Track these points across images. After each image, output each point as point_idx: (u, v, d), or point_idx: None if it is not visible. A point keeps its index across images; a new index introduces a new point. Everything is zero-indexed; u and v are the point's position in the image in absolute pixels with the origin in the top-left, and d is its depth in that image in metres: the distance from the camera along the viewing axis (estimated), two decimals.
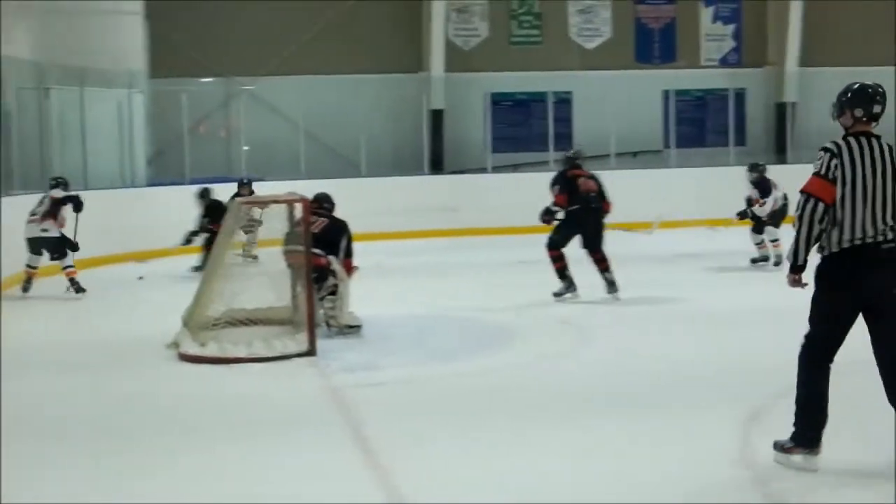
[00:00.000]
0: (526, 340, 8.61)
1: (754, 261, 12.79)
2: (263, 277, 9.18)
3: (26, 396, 6.91)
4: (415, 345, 8.46)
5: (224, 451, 5.58)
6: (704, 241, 14.99)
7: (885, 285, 4.78)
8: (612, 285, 10.53)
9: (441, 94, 20.37)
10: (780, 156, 20.51)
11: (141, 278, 12.34)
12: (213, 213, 13.59)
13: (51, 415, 6.53)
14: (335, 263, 8.82)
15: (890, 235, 4.79)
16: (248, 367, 7.65)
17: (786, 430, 5.07)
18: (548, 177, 10.97)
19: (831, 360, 4.89)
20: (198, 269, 13.35)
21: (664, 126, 20.85)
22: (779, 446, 4.98)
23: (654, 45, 21.72)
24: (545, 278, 10.60)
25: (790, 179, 13.76)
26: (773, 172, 13.01)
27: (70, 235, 11.76)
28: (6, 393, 6.77)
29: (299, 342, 8.03)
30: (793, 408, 4.96)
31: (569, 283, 10.55)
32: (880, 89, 4.90)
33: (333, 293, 8.79)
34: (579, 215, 10.52)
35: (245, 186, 14.50)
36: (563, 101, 20.91)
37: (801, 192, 4.85)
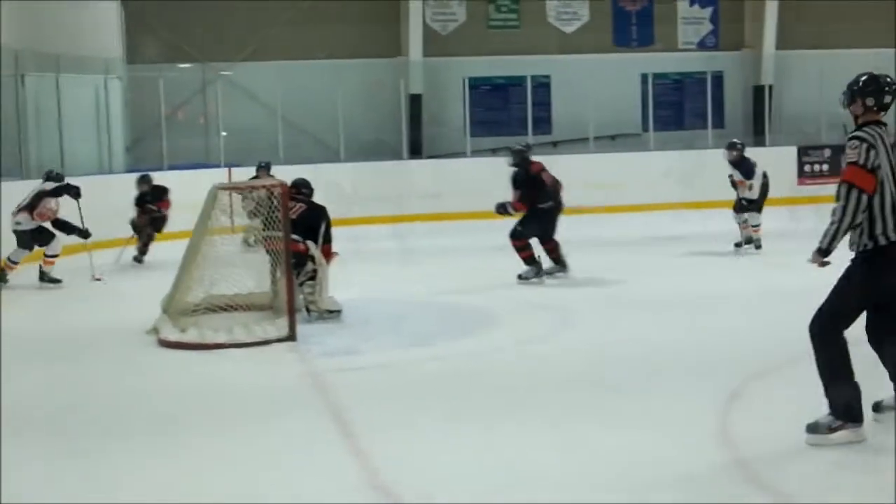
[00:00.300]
0: (505, 325, 8.63)
1: (738, 245, 12.78)
2: (243, 264, 9.17)
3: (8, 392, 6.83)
4: (394, 329, 8.47)
5: (211, 443, 5.52)
6: (683, 224, 15.02)
7: None
8: (564, 266, 10.76)
9: (419, 78, 20.32)
10: (759, 138, 20.59)
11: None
12: (159, 194, 13.48)
13: (36, 411, 6.37)
14: (314, 249, 8.82)
15: None
16: (228, 353, 7.64)
17: (766, 411, 5.09)
18: None
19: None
20: (138, 259, 13.28)
21: (642, 109, 20.86)
22: (824, 427, 4.91)
23: (631, 28, 21.73)
24: (523, 263, 10.65)
25: (768, 161, 13.97)
26: (752, 155, 13.02)
27: (67, 225, 11.80)
28: None
29: (279, 327, 8.03)
30: (774, 390, 4.98)
31: (538, 269, 10.64)
32: (889, 79, 5.00)
33: (313, 278, 8.80)
34: (552, 211, 10.70)
35: (263, 169, 14.75)
36: (542, 85, 20.90)
37: (842, 182, 4.87)
